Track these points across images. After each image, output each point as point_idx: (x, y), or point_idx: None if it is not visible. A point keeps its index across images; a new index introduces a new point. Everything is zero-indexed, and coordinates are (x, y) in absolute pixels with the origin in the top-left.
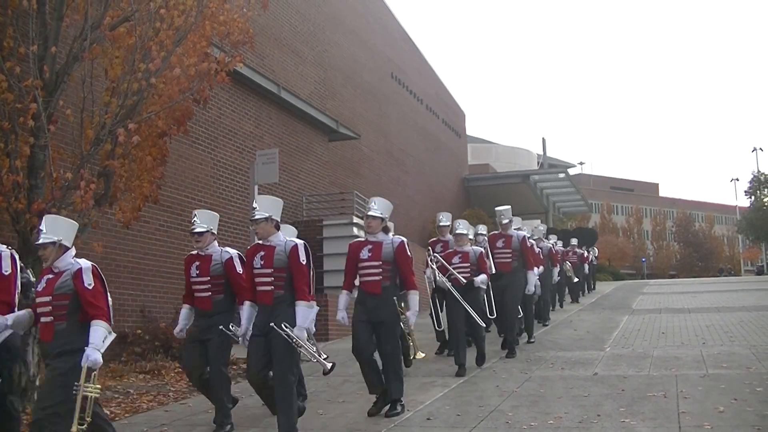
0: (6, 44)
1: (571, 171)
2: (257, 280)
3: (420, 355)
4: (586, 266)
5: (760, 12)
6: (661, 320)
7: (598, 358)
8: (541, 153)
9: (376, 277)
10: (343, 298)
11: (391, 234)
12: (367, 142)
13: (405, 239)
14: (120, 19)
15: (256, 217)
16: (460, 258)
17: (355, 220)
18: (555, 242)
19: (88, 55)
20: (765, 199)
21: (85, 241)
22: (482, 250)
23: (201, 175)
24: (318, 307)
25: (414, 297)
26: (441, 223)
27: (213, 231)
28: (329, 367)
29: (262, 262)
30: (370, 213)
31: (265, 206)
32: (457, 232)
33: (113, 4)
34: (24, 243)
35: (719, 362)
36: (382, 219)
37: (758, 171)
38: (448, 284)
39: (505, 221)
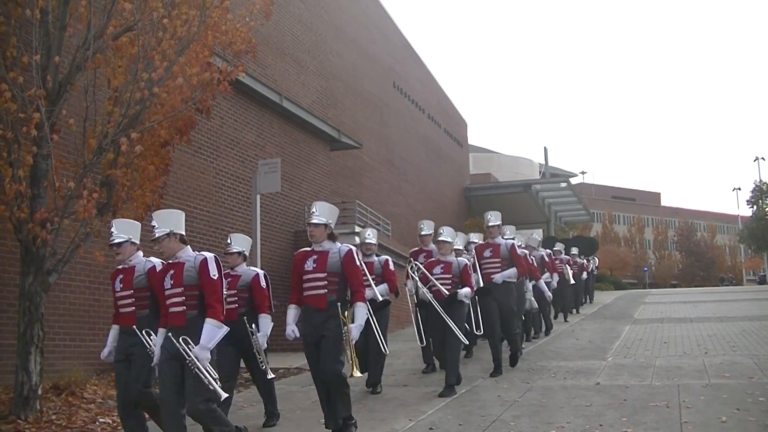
0: (9, 54)
1: (573, 180)
2: (168, 301)
3: (357, 374)
4: (585, 274)
5: (761, 21)
6: (663, 330)
7: (600, 367)
8: (543, 162)
9: (321, 291)
10: (291, 312)
11: (338, 242)
12: (369, 152)
13: (354, 248)
14: (123, 29)
15: (156, 235)
16: (442, 268)
17: (357, 229)
18: (560, 250)
19: (91, 65)
20: (767, 209)
21: (87, 251)
22: (467, 261)
23: (203, 184)
24: (227, 327)
25: (361, 310)
26: (422, 232)
27: (134, 240)
28: (221, 398)
29: (172, 282)
30: (312, 220)
31: (164, 221)
32: (440, 239)
33: (116, 14)
34: (27, 252)
35: (721, 372)
36: (326, 225)
37: (760, 180)
38: (429, 296)
39: (492, 224)
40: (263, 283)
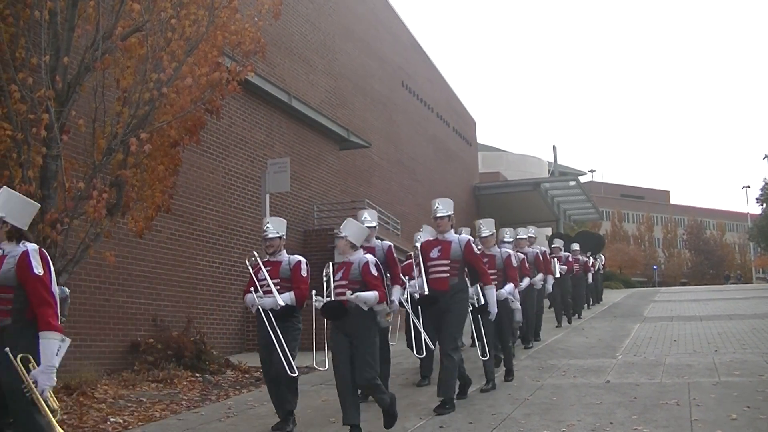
0: (18, 55)
1: (582, 179)
2: None
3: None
4: (590, 275)
5: None
6: (673, 328)
7: (610, 365)
8: (552, 161)
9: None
10: None
11: (24, 243)
12: (378, 151)
13: (35, 248)
14: (131, 30)
15: None
16: (342, 273)
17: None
18: (559, 247)
19: (100, 66)
20: None
21: (97, 251)
22: (368, 258)
23: (212, 184)
24: None
25: (49, 344)
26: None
27: None
28: None
29: None
30: None
31: None
32: (341, 235)
33: (125, 15)
34: None
35: (732, 370)
36: (3, 222)
37: None
38: (318, 305)
39: (441, 215)
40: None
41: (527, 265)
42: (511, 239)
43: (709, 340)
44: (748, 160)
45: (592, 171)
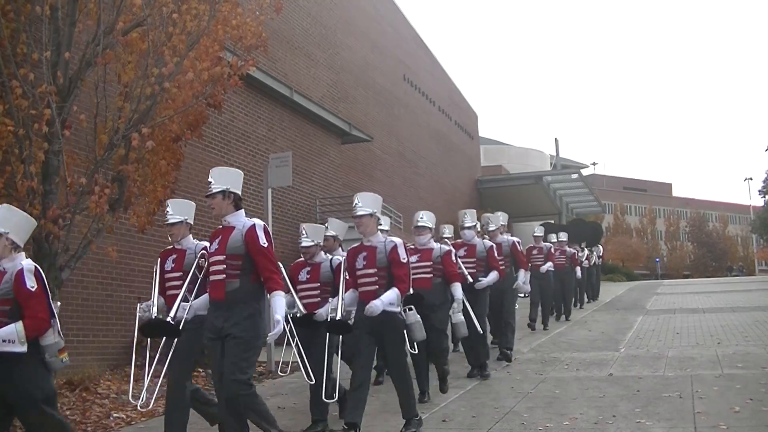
0: (20, 51)
1: (584, 171)
2: None
3: None
4: (578, 270)
5: None
6: (676, 320)
7: (613, 358)
8: (554, 154)
9: None
10: None
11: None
12: (380, 145)
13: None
14: (132, 24)
15: None
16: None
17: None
18: (541, 236)
19: (101, 61)
20: None
21: (99, 246)
22: (25, 265)
23: None
24: None
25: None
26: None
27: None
28: None
29: None
30: None
31: None
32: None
33: (126, 10)
34: (39, 249)
35: (734, 362)
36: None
37: None
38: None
39: (214, 189)
40: None
41: (497, 255)
42: (451, 234)
43: (712, 333)
44: (751, 152)
45: (594, 164)
